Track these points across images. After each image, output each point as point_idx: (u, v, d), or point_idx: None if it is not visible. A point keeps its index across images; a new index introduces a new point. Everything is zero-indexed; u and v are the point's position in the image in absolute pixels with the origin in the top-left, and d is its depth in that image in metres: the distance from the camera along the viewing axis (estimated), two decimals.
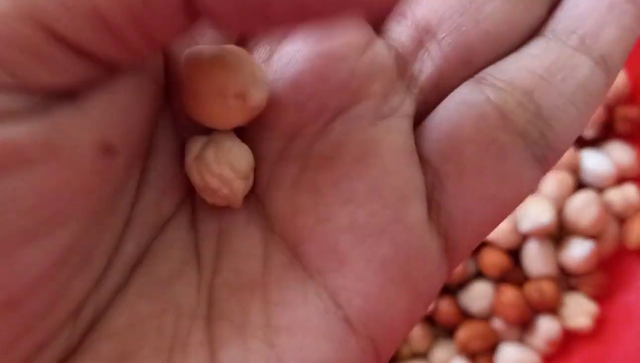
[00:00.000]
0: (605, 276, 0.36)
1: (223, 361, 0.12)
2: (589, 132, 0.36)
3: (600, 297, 0.36)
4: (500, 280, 0.36)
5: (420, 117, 0.14)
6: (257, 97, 0.13)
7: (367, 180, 0.13)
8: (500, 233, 0.35)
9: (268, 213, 0.14)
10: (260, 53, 0.14)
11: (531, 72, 0.14)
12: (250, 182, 0.14)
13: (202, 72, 0.13)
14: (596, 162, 0.36)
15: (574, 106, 0.14)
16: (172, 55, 0.14)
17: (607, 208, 0.36)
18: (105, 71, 0.11)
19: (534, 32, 0.14)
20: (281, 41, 0.14)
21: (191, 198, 0.14)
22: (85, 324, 0.12)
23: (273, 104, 0.13)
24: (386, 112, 0.14)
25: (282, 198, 0.13)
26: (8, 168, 0.10)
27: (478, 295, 0.35)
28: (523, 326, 0.36)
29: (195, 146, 0.13)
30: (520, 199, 0.14)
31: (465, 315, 0.36)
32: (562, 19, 0.14)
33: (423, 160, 0.14)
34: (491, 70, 0.14)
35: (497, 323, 0.35)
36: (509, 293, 0.35)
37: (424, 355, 0.36)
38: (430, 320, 0.36)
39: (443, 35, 0.14)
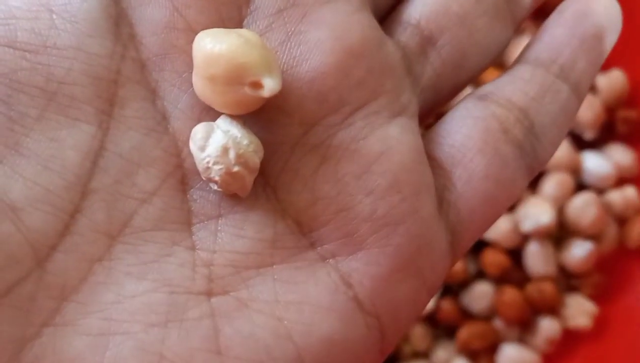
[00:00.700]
0: (605, 276, 0.36)
1: (228, 334, 0.13)
2: (590, 134, 0.37)
3: (600, 297, 0.36)
4: (501, 280, 0.36)
5: (419, 118, 0.16)
6: (272, 86, 0.13)
7: (388, 175, 0.14)
8: (501, 233, 0.35)
9: (281, 198, 0.14)
10: (275, 35, 0.14)
11: (525, 93, 0.16)
12: (256, 173, 0.14)
13: (215, 59, 0.13)
14: (596, 163, 0.36)
15: (556, 125, 0.16)
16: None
17: (607, 208, 0.36)
18: None
19: (508, 42, 0.17)
20: (298, 24, 0.14)
21: (179, 177, 0.14)
22: (53, 287, 0.12)
23: (292, 90, 0.14)
24: (398, 110, 0.15)
25: (301, 185, 0.14)
26: None
27: (479, 295, 0.36)
28: (523, 326, 0.36)
29: (200, 134, 0.13)
30: (511, 203, 0.16)
31: (466, 315, 0.36)
32: (544, 49, 0.17)
33: (434, 163, 0.15)
34: (491, 88, 0.16)
35: (498, 323, 0.36)
36: (510, 293, 0.35)
37: (425, 354, 0.36)
38: (431, 320, 0.37)
39: (443, 44, 0.16)
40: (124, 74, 0.14)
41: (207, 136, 0.13)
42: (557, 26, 0.17)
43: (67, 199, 0.13)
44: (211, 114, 0.14)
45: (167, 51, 0.14)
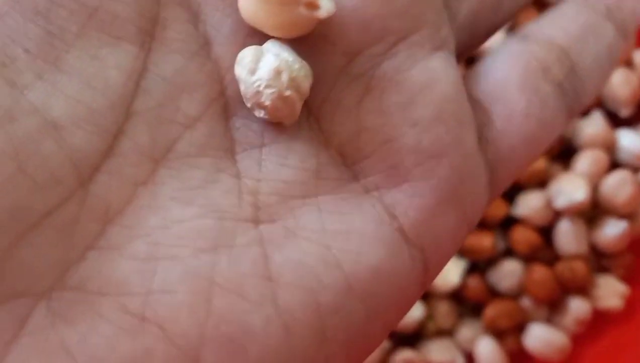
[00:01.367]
0: (637, 258, 0.35)
1: (277, 261, 0.12)
2: (626, 111, 0.36)
3: (632, 279, 0.35)
4: (530, 258, 0.35)
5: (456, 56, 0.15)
6: (329, 7, 0.12)
7: (432, 106, 0.14)
8: (532, 209, 0.34)
9: (325, 128, 0.14)
10: None
11: (567, 33, 0.16)
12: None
13: None
14: (632, 141, 0.35)
15: (600, 66, 0.16)
16: None
17: None
18: None
19: None
20: None
21: (222, 103, 0.13)
22: (96, 208, 0.12)
23: (335, 17, 0.13)
24: (439, 43, 0.14)
25: (345, 116, 0.14)
26: None
27: (507, 273, 0.35)
28: (552, 305, 0.35)
29: (249, 58, 0.13)
30: (550, 143, 0.16)
31: (493, 293, 0.35)
32: None
33: (474, 100, 0.15)
34: (533, 28, 0.16)
35: (526, 302, 0.35)
36: (540, 272, 0.34)
37: (449, 332, 0.36)
38: (457, 297, 0.36)
39: None
40: None
41: (257, 60, 0.13)
42: None
43: (110, 119, 0.12)
44: (255, 40, 0.13)
45: None
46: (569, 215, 0.34)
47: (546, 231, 0.35)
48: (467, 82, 0.16)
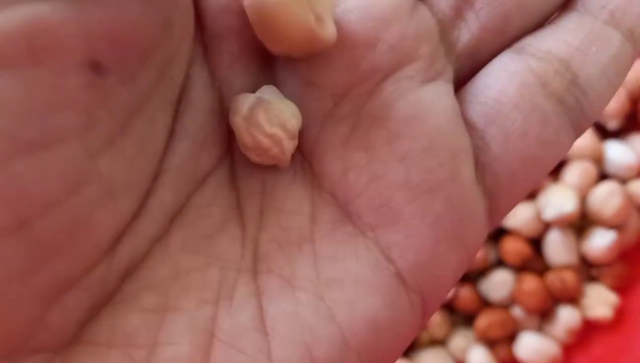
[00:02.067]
0: (626, 267, 0.36)
1: (272, 314, 0.12)
2: (613, 123, 0.36)
3: (621, 288, 0.35)
4: (521, 268, 0.35)
5: (455, 84, 0.15)
6: (332, 29, 0.13)
7: (422, 139, 0.13)
8: (522, 221, 0.35)
9: (316, 171, 0.14)
10: None
11: (567, 43, 0.14)
12: (296, 142, 0.14)
13: None
14: (620, 153, 0.36)
15: (606, 76, 0.15)
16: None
17: (629, 199, 0.35)
18: None
19: (562, 4, 0.15)
20: None
21: (230, 156, 0.14)
22: (120, 269, 0.12)
23: (322, 61, 0.14)
24: (432, 75, 0.14)
25: (332, 156, 0.14)
26: None
27: (498, 283, 0.35)
28: (543, 315, 0.35)
29: (243, 104, 0.13)
30: (555, 163, 0.15)
31: (484, 303, 0.36)
32: None
33: (467, 123, 0.14)
34: (530, 41, 0.15)
35: (517, 312, 0.35)
36: (530, 282, 0.35)
37: (442, 342, 0.36)
38: (449, 307, 0.36)
39: (481, 5, 0.15)
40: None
41: (250, 107, 0.13)
42: None
43: (147, 181, 0.12)
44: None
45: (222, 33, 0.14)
46: (559, 226, 0.35)
47: (536, 242, 0.36)
48: (459, 103, 0.14)
